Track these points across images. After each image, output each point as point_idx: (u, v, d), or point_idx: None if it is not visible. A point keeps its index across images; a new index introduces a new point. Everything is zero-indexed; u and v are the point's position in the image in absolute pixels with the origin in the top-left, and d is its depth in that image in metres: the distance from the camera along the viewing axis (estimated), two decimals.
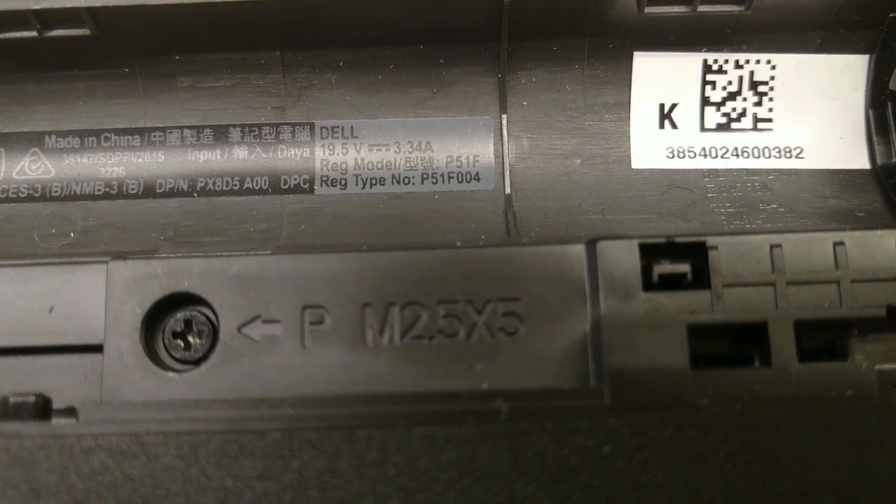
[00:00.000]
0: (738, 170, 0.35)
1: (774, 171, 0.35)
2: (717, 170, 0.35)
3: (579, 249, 0.29)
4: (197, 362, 0.29)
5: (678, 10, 0.33)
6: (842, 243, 0.28)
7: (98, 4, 0.31)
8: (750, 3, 0.32)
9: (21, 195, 0.35)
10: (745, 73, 0.35)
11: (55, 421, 0.27)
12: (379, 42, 0.34)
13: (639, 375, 0.26)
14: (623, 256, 0.28)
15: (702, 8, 0.33)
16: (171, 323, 0.29)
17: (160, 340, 0.29)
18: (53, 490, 0.25)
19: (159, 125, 0.35)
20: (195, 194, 0.35)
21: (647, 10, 0.33)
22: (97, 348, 0.29)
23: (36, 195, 0.35)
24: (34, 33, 0.32)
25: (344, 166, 0.35)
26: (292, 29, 0.33)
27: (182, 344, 0.29)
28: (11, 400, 0.27)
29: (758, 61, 0.35)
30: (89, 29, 0.32)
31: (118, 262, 0.29)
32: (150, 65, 0.35)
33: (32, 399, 0.27)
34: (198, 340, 0.29)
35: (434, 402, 0.26)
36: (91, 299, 0.29)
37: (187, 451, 0.25)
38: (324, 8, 0.33)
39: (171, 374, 0.28)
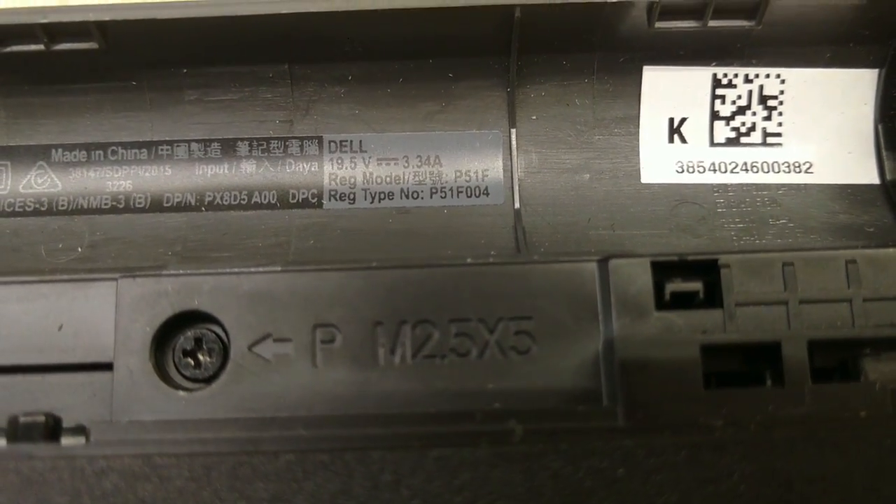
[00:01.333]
0: (747, 185, 0.35)
1: (784, 185, 0.35)
2: (726, 185, 0.35)
3: (591, 267, 0.29)
4: (208, 381, 0.29)
5: (688, 24, 0.33)
6: (854, 262, 0.28)
7: (106, 18, 0.31)
8: (760, 18, 0.32)
9: (27, 209, 0.35)
10: (754, 87, 0.35)
11: (65, 441, 0.27)
12: (388, 56, 0.34)
13: (652, 395, 0.26)
14: (635, 274, 0.28)
15: (712, 22, 0.32)
16: (182, 341, 0.29)
17: (170, 359, 0.29)
18: None
19: (167, 139, 0.35)
20: (203, 209, 0.34)
21: (658, 24, 0.33)
22: (107, 366, 0.29)
23: (42, 209, 0.35)
24: (41, 47, 0.32)
25: (352, 180, 0.35)
26: (301, 42, 0.33)
27: (192, 362, 0.29)
28: (21, 420, 0.27)
29: (767, 75, 0.35)
30: (97, 42, 0.32)
31: (127, 279, 0.29)
32: (157, 78, 0.34)
33: (42, 419, 0.27)
34: (208, 359, 0.29)
35: (447, 423, 0.26)
36: (100, 317, 0.29)
37: (200, 474, 0.25)
38: (332, 21, 0.32)
39: (181, 392, 0.28)
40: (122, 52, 0.33)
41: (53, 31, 0.32)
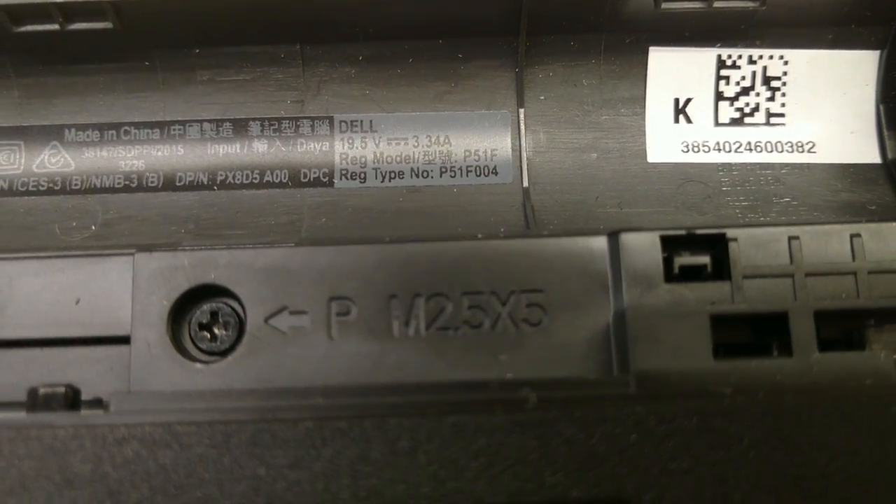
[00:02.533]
0: (751, 164, 0.35)
1: (787, 165, 0.35)
2: (731, 164, 0.35)
3: (601, 241, 0.29)
4: (224, 353, 0.29)
5: (694, 5, 0.33)
6: (858, 235, 0.29)
7: None
8: None
9: (41, 188, 0.35)
10: (758, 68, 0.36)
11: (86, 412, 0.27)
12: (398, 36, 0.34)
13: (663, 365, 0.27)
14: (645, 248, 0.29)
15: (717, 3, 0.33)
16: (198, 314, 0.29)
17: (187, 332, 0.29)
18: (87, 480, 0.25)
19: (179, 119, 0.35)
20: (215, 187, 0.35)
21: (664, 5, 0.33)
22: (124, 340, 0.29)
23: (56, 188, 0.35)
24: (56, 26, 0.33)
25: (363, 160, 0.35)
26: (312, 23, 0.34)
27: (208, 335, 0.29)
28: (41, 391, 0.28)
29: (771, 57, 0.35)
30: (111, 22, 0.32)
31: (144, 254, 0.29)
32: (169, 58, 0.35)
33: (62, 390, 0.28)
34: (224, 332, 0.29)
35: (463, 392, 0.26)
36: (117, 291, 0.29)
37: (220, 441, 0.25)
38: (343, 2, 0.33)
39: (198, 365, 0.29)
40: (136, 33, 0.33)
41: (68, 10, 0.32)
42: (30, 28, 0.33)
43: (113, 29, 0.33)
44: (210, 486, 0.25)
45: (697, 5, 0.33)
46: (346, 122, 0.35)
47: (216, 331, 0.29)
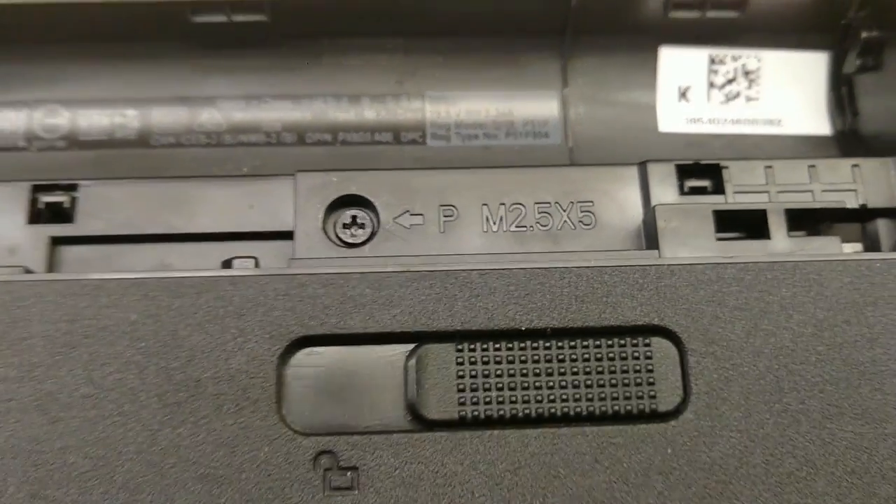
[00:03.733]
0: (735, 134, 0.46)
1: (762, 136, 0.47)
2: (721, 134, 0.46)
3: (633, 169, 0.41)
4: (362, 244, 0.40)
5: (693, 14, 0.45)
6: (814, 166, 0.40)
7: None
8: (744, 10, 0.45)
9: (200, 143, 0.46)
10: (739, 64, 0.47)
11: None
12: (476, 33, 0.46)
13: (679, 245, 0.38)
14: (665, 173, 0.40)
15: (710, 13, 0.45)
16: (343, 217, 0.40)
17: (334, 229, 0.40)
18: (281, 310, 0.35)
19: (308, 93, 0.46)
20: (337, 144, 0.46)
21: (671, 13, 0.45)
22: (288, 235, 0.40)
23: (212, 143, 0.46)
24: (224, 18, 0.44)
25: (447, 125, 0.46)
26: (412, 21, 0.45)
27: (350, 232, 0.40)
28: (235, 262, 0.38)
29: (749, 56, 0.48)
30: (266, 16, 0.43)
31: (303, 173, 0.40)
32: (302, 46, 0.45)
33: (252, 260, 0.38)
34: (362, 230, 0.40)
35: (538, 260, 0.37)
36: (281, 200, 0.40)
37: (375, 284, 0.35)
38: (437, 8, 0.45)
39: (346, 249, 0.39)
40: (280, 25, 0.44)
41: (237, 6, 0.43)
42: (203, 19, 0.44)
43: (264, 22, 0.44)
44: (367, 314, 0.35)
45: (695, 14, 0.45)
46: (434, 97, 0.47)
47: (355, 231, 0.40)
